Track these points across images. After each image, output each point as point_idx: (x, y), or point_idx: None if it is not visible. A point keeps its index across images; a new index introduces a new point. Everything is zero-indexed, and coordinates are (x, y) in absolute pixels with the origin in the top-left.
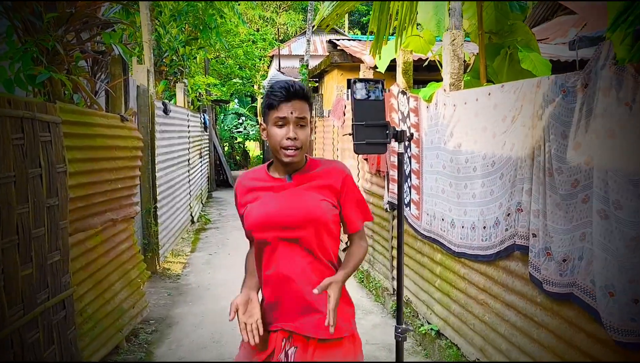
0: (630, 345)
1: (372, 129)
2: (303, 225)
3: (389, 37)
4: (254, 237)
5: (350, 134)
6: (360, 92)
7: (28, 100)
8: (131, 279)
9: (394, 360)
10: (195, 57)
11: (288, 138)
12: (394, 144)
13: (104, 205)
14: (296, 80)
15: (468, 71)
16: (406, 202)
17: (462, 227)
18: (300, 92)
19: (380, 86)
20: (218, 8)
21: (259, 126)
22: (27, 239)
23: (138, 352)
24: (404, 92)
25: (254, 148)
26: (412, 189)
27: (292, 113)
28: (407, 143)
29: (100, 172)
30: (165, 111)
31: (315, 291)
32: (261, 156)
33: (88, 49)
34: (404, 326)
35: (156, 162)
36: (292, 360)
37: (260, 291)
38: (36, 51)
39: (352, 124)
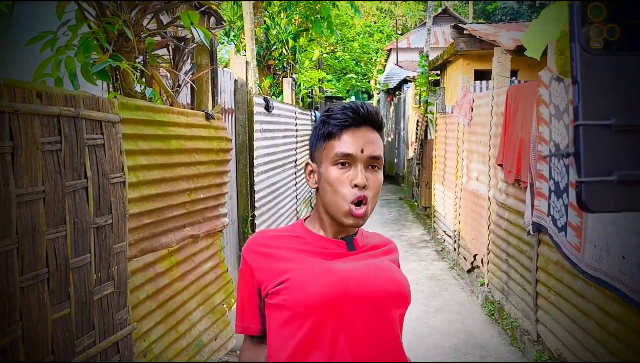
0: None
1: None
2: (386, 304)
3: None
4: (304, 319)
5: None
6: None
7: (71, 93)
8: (214, 305)
9: None
10: (306, 50)
11: (356, 185)
12: (540, 148)
13: (181, 219)
14: (369, 104)
15: None
16: (560, 226)
17: None
18: (374, 117)
19: None
20: None
21: (303, 168)
22: (61, 272)
23: None
24: (559, 79)
25: None
26: (569, 209)
27: (362, 150)
28: (554, 149)
29: (175, 180)
30: (267, 107)
31: None
32: None
33: (168, 35)
34: None
35: (255, 165)
36: None
37: None
38: (103, 37)
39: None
